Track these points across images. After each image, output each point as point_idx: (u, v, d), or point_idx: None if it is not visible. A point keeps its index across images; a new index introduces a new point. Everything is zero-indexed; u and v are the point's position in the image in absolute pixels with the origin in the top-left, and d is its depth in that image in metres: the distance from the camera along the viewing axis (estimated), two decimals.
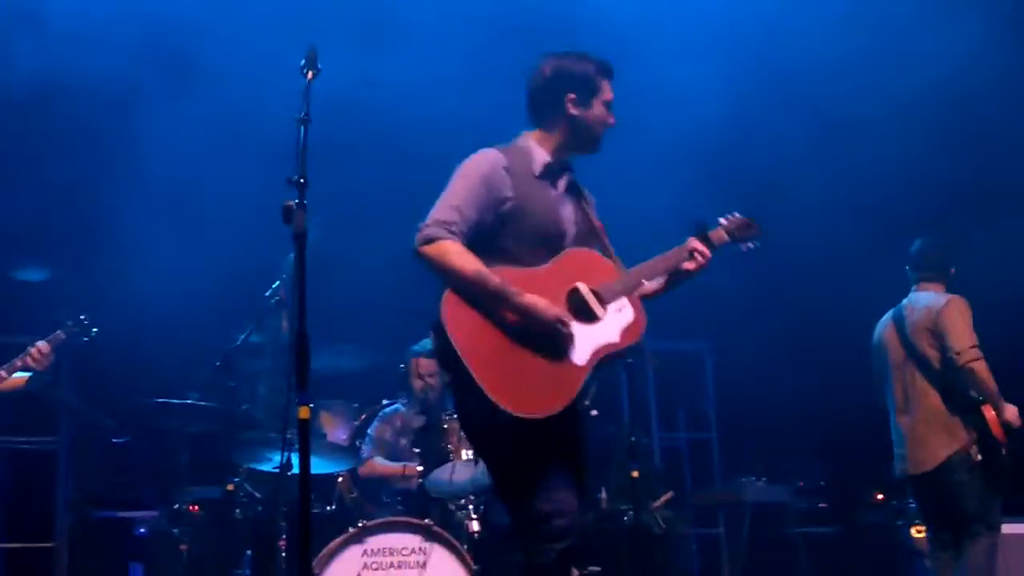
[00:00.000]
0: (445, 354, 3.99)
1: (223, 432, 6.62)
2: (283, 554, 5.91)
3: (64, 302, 7.08)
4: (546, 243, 4.16)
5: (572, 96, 4.29)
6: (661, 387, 9.81)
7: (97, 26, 7.26)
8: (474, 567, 5.89)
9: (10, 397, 6.23)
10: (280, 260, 6.30)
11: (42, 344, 5.73)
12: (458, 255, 4.00)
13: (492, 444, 4.11)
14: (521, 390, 3.91)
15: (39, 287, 8.38)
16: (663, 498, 7.85)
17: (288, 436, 5.61)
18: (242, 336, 6.69)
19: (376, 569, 5.84)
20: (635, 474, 6.39)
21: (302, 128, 3.87)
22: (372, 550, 5.86)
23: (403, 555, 5.89)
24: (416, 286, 4.47)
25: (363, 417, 7.12)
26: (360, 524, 5.89)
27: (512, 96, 4.49)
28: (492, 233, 4.13)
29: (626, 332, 4.11)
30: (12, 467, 8.23)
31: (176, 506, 6.67)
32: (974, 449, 5.92)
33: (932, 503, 6.20)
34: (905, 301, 6.36)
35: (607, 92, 4.34)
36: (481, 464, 6.13)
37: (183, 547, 6.58)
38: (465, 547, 5.97)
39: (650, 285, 4.35)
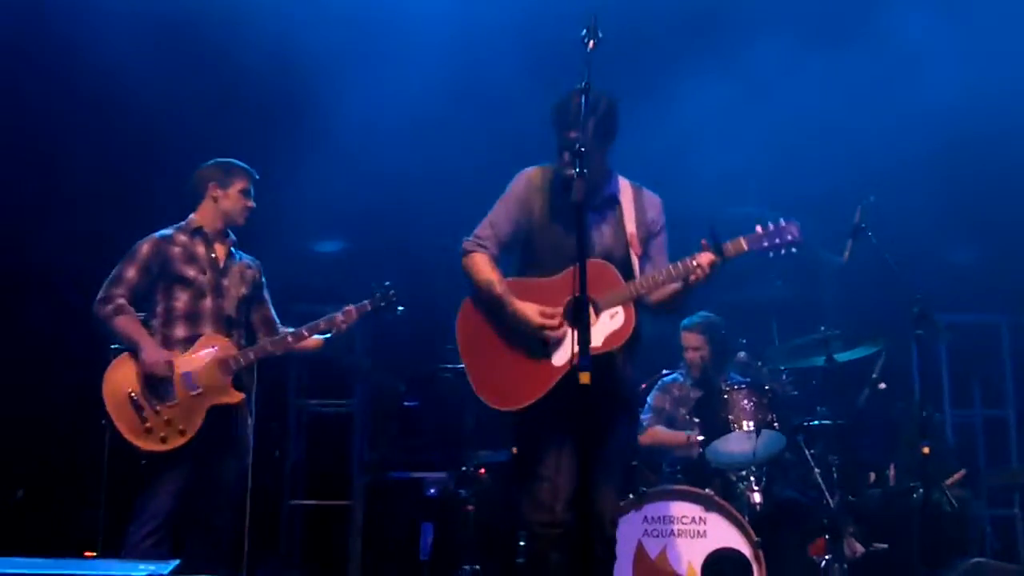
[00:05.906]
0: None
1: None
2: None
3: (358, 272, 7.40)
4: (566, 257, 4.41)
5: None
6: (955, 361, 9.37)
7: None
8: (755, 539, 5.81)
9: (306, 358, 6.31)
10: None
11: (351, 308, 5.51)
12: (478, 266, 4.66)
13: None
14: (500, 385, 4.57)
15: (336, 258, 8.79)
16: (955, 476, 7.51)
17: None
18: None
19: (656, 536, 5.88)
20: (926, 450, 6.12)
21: (583, 97, 4.10)
22: (652, 517, 5.91)
23: (683, 523, 5.89)
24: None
25: (643, 387, 7.14)
26: (640, 491, 5.93)
27: None
28: (526, 245, 4.71)
29: (610, 337, 4.51)
30: (311, 429, 8.71)
31: (464, 469, 6.92)
32: None
33: None
34: None
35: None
36: (764, 435, 6.07)
37: (470, 508, 6.85)
38: (746, 518, 5.91)
39: (659, 293, 4.64)
